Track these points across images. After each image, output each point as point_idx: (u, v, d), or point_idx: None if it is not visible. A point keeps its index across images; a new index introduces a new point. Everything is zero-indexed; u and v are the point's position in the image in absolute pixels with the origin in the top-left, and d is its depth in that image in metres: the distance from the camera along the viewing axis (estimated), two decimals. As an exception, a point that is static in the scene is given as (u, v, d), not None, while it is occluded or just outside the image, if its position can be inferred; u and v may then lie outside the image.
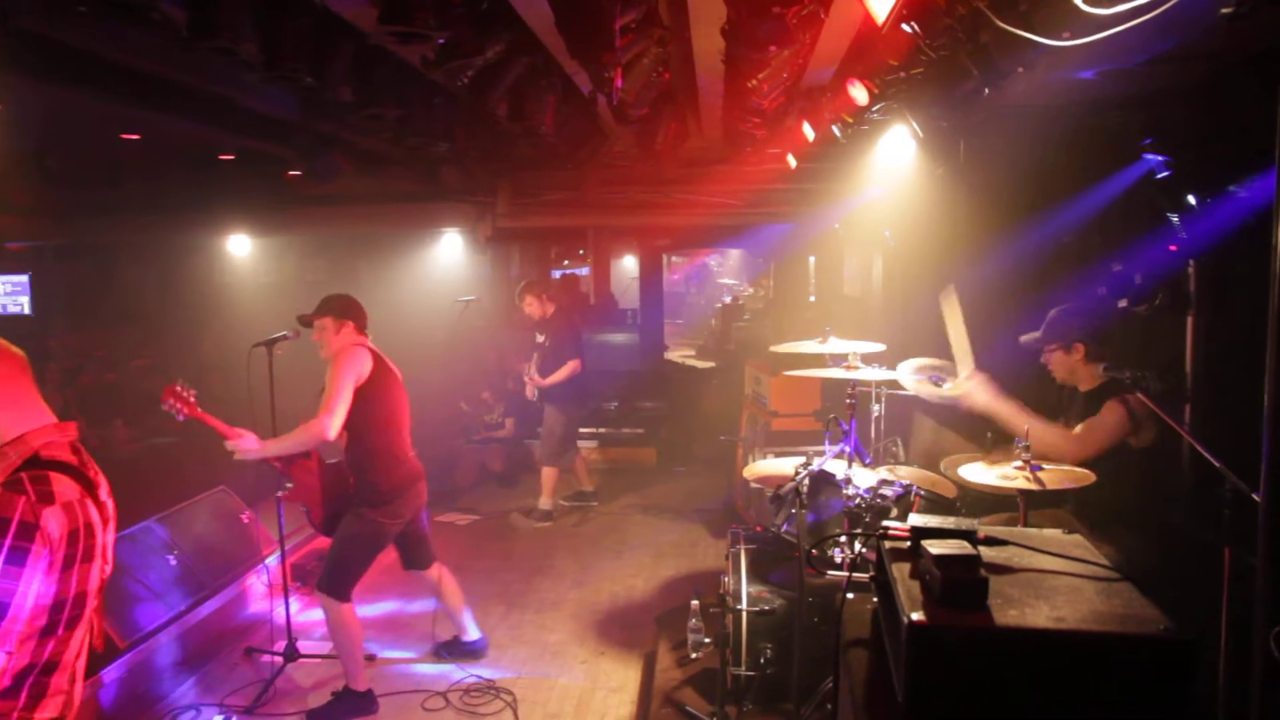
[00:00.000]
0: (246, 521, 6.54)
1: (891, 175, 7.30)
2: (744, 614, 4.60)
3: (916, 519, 2.62)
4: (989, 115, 5.35)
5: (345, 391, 4.67)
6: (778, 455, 5.93)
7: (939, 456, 5.31)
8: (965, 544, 2.36)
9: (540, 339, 8.59)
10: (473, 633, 5.62)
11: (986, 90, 3.99)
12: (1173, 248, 4.72)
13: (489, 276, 12.96)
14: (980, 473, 4.04)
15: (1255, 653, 2.44)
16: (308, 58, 4.29)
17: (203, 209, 10.01)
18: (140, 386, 10.50)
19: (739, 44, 4.23)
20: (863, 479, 4.62)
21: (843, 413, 4.81)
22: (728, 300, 16.98)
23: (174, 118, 6.15)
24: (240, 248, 11.90)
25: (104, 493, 2.41)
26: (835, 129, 5.59)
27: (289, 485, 5.07)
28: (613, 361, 11.23)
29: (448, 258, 12.28)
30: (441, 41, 4.14)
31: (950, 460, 4.91)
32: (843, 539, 4.54)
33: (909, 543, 2.57)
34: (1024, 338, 4.76)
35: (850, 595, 3.06)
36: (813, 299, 12.98)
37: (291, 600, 5.59)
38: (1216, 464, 3.36)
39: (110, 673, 4.89)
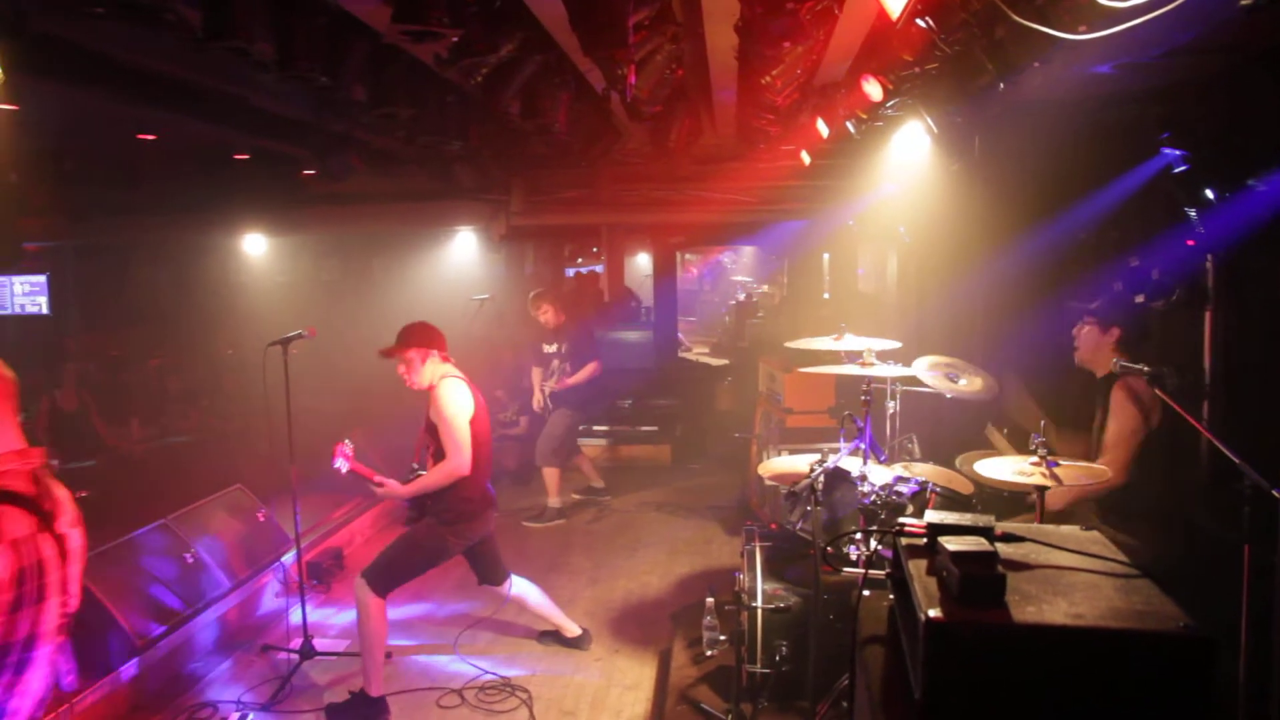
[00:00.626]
0: (262, 520, 6.57)
1: (906, 172, 7.28)
2: (759, 611, 4.59)
3: (933, 515, 2.60)
4: (1004, 111, 5.33)
5: (464, 428, 4.89)
6: (792, 452, 5.92)
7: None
8: (982, 540, 2.35)
9: (549, 349, 8.58)
10: (572, 629, 5.70)
11: (1002, 85, 3.98)
12: (1191, 243, 4.69)
13: (503, 275, 12.97)
14: (997, 469, 4.03)
15: (1275, 650, 2.42)
16: (321, 57, 4.31)
17: (218, 209, 10.06)
18: (156, 386, 10.57)
19: (753, 40, 4.22)
20: (878, 476, 4.60)
21: (858, 409, 4.79)
22: (742, 298, 16.95)
23: (189, 118, 6.19)
24: (255, 247, 11.96)
25: (65, 523, 2.26)
26: (849, 125, 5.57)
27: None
28: (627, 359, 11.22)
29: (462, 256, 12.30)
30: (455, 40, 4.14)
31: (966, 457, 4.89)
32: (858, 536, 4.53)
33: (925, 539, 2.55)
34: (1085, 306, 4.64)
35: (866, 592, 3.04)
36: (827, 296, 12.96)
37: (307, 598, 5.60)
38: (1235, 460, 3.34)
39: (128, 670, 4.93)
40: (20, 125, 5.66)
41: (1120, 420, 4.31)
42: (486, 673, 5.38)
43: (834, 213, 9.85)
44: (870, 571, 3.69)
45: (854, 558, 4.56)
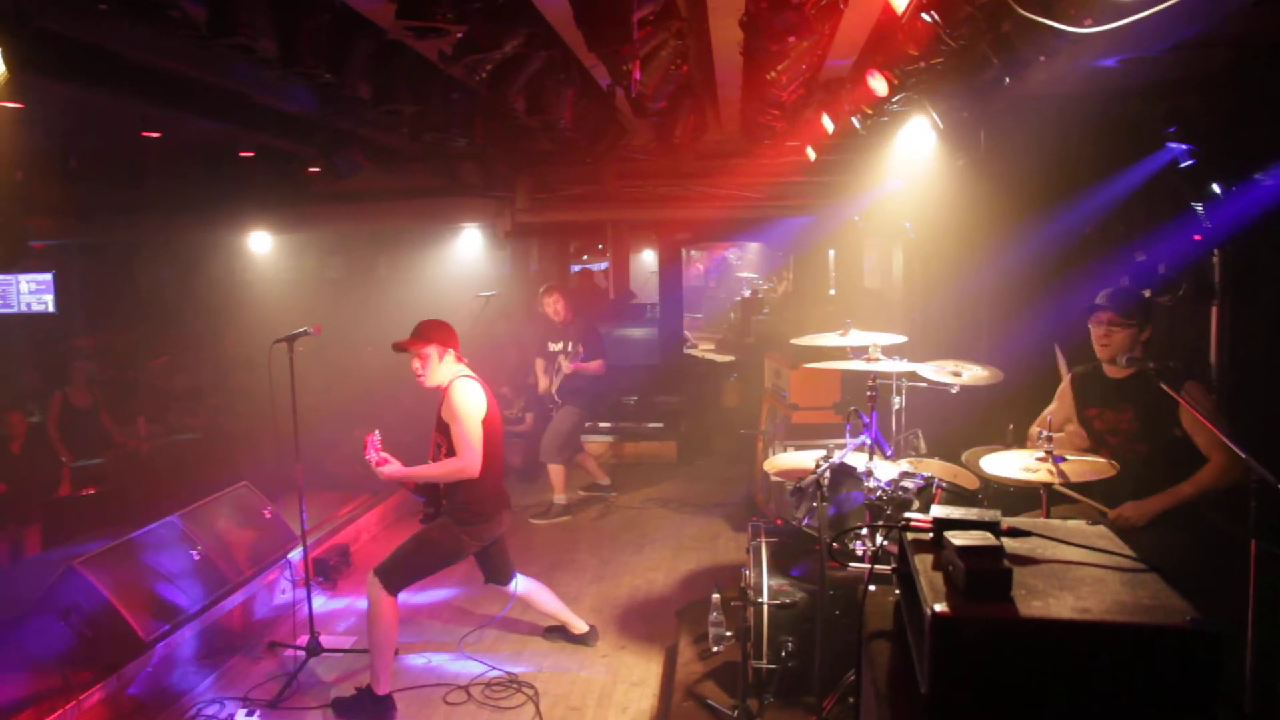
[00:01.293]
0: (269, 517, 6.57)
1: (911, 167, 7.26)
2: (765, 607, 4.59)
3: (939, 510, 2.60)
4: (1010, 105, 5.32)
5: (477, 429, 4.87)
6: (798, 448, 5.91)
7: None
8: (988, 535, 2.34)
9: (554, 347, 8.57)
10: (578, 626, 5.71)
11: (1007, 80, 3.97)
12: (1197, 237, 4.67)
13: (508, 272, 12.96)
14: (1002, 465, 4.01)
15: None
16: (326, 54, 4.31)
17: (223, 206, 10.06)
18: (162, 383, 10.59)
19: (757, 35, 4.21)
20: (884, 471, 4.59)
21: (863, 405, 4.78)
22: (747, 294, 16.93)
23: (193, 115, 6.19)
24: (260, 244, 11.96)
25: None
26: (855, 121, 5.56)
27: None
28: (632, 356, 11.21)
29: (467, 253, 12.30)
30: (459, 36, 4.14)
31: (972, 452, 4.88)
32: (864, 531, 4.52)
33: (931, 534, 2.55)
34: (1101, 296, 4.46)
35: (872, 588, 3.04)
36: (832, 292, 12.94)
37: (314, 595, 5.61)
38: (1242, 455, 3.33)
39: (135, 668, 4.94)
40: (25, 123, 5.67)
41: (1203, 404, 4.11)
42: (493, 669, 5.38)
43: (839, 208, 9.83)
44: (876, 567, 3.68)
45: (860, 553, 4.56)
